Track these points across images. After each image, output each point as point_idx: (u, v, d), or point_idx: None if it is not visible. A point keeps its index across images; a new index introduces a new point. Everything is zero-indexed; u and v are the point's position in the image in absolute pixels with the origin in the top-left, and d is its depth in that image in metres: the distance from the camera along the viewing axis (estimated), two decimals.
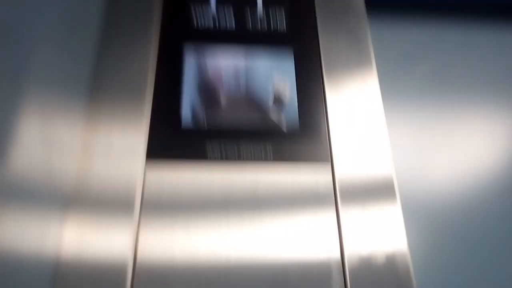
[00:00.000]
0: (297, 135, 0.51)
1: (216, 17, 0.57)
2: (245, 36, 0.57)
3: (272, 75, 0.54)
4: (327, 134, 0.51)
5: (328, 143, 0.50)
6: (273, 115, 0.52)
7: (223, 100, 0.52)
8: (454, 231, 0.66)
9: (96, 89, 0.50)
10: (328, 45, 0.57)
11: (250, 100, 0.53)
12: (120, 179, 0.46)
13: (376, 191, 0.48)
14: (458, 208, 0.68)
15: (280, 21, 0.58)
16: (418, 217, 0.66)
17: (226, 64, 0.54)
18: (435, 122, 0.77)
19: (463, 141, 0.75)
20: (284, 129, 0.51)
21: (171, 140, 0.49)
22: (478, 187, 0.71)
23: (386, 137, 0.51)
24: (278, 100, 0.53)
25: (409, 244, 0.45)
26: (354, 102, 0.53)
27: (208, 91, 0.52)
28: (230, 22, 0.57)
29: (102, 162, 0.47)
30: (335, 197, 0.47)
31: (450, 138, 0.75)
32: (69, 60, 0.45)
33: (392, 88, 0.74)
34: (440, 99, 0.79)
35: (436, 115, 0.78)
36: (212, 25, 0.57)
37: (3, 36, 0.33)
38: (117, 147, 0.47)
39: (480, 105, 0.81)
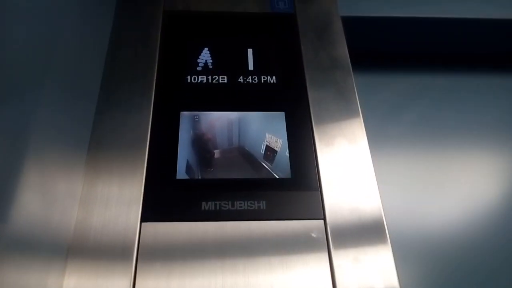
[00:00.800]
0: (290, 190, 0.52)
1: (210, 81, 0.61)
2: (237, 96, 0.61)
3: (264, 131, 0.57)
4: (319, 188, 0.53)
5: (320, 197, 0.52)
6: (266, 170, 0.54)
7: (216, 156, 0.55)
8: (444, 271, 0.67)
9: (95, 147, 0.53)
10: (316, 99, 0.60)
11: (243, 155, 0.55)
12: (117, 229, 0.47)
13: (368, 237, 0.49)
14: (448, 250, 0.69)
15: (271, 80, 0.62)
16: (410, 259, 0.66)
17: (219, 124, 0.58)
18: (425, 167, 0.78)
19: (453, 186, 0.76)
20: (277, 184, 0.53)
21: (165, 193, 0.51)
22: (469, 230, 0.72)
23: (375, 183, 0.53)
24: (270, 154, 0.55)
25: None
26: (344, 154, 0.56)
27: (202, 149, 0.55)
28: (223, 81, 0.62)
29: (99, 214, 0.48)
30: (328, 245, 0.49)
31: (440, 183, 0.76)
32: (69, 120, 0.48)
33: (380, 136, 0.77)
34: (428, 144, 0.80)
35: (425, 161, 0.79)
36: (206, 89, 0.61)
37: (7, 99, 0.36)
38: (114, 200, 0.49)
39: (469, 149, 0.82)
